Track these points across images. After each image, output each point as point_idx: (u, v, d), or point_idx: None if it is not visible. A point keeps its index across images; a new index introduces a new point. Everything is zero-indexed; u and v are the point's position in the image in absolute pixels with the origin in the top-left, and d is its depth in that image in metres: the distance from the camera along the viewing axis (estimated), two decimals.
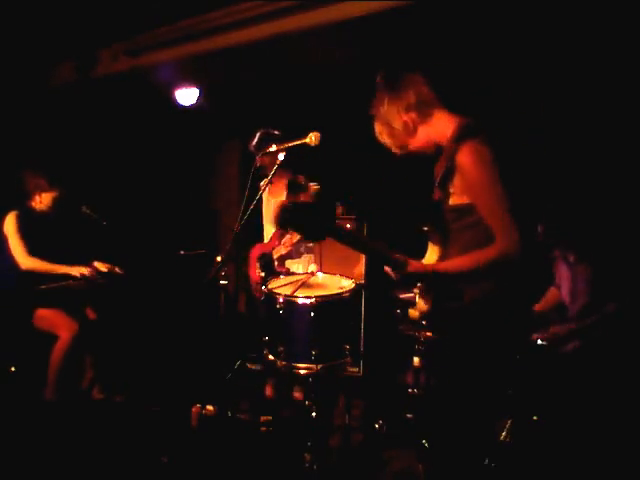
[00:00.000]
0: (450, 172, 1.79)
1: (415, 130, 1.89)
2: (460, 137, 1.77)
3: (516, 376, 2.77)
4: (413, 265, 1.77)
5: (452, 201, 1.81)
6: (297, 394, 3.38)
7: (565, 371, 2.89)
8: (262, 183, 3.57)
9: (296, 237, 3.44)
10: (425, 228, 1.90)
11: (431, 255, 1.94)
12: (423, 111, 1.86)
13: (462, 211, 1.78)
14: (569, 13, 2.98)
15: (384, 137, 1.93)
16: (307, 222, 1.76)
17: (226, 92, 4.77)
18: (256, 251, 3.64)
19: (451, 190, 1.80)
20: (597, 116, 3.31)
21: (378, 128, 1.94)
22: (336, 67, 3.95)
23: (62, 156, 4.32)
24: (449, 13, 3.15)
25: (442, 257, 1.89)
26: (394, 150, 1.95)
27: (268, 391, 3.47)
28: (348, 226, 3.20)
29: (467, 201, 1.76)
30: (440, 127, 1.88)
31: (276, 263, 3.51)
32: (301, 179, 3.45)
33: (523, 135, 3.14)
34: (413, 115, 1.86)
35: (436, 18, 3.23)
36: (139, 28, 4.22)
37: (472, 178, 1.72)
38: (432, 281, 1.82)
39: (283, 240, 3.55)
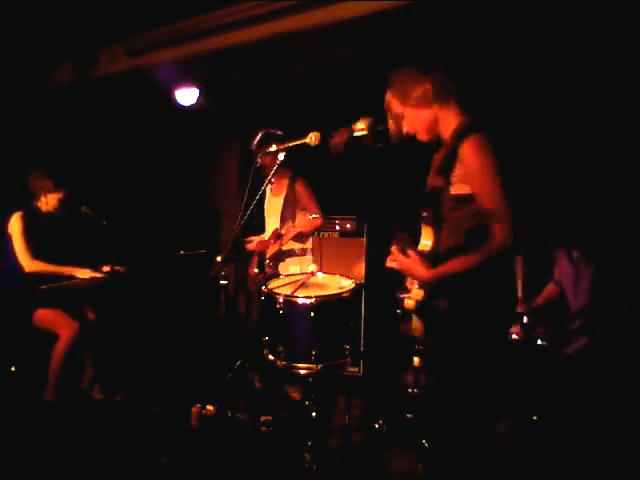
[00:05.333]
0: (451, 162, 1.85)
1: (430, 103, 1.95)
2: (465, 131, 1.84)
3: (516, 376, 2.78)
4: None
5: (453, 190, 1.86)
6: (295, 394, 3.39)
7: (565, 371, 2.89)
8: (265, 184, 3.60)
9: (291, 236, 3.44)
10: (424, 214, 1.92)
11: (425, 240, 1.96)
12: (443, 92, 1.93)
13: (462, 201, 1.84)
14: (569, 14, 2.98)
15: (395, 105, 2.01)
16: None
17: (226, 92, 4.77)
18: (259, 245, 3.65)
19: (453, 180, 1.86)
20: (603, 116, 3.31)
21: (389, 95, 2.03)
22: (336, 67, 3.95)
23: (63, 156, 4.32)
24: (450, 13, 3.15)
25: (439, 244, 1.93)
26: (401, 130, 2.02)
27: (257, 385, 3.49)
28: None
29: (468, 191, 1.82)
30: (447, 118, 1.95)
31: (267, 261, 3.52)
32: None
33: (528, 133, 3.15)
34: (436, 89, 1.93)
35: (437, 18, 3.23)
36: (139, 28, 4.22)
37: (473, 167, 1.79)
38: (438, 284, 1.84)
39: (280, 240, 3.55)
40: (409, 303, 1.88)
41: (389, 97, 2.03)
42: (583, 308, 3.02)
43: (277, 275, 3.29)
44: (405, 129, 2.02)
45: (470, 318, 1.87)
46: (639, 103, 3.14)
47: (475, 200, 1.80)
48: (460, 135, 1.84)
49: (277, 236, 3.57)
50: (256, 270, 3.44)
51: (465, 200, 1.83)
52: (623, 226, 3.10)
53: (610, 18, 2.93)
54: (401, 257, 1.88)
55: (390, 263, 1.94)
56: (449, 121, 1.94)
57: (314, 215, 3.36)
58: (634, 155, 3.23)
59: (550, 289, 3.26)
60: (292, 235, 3.44)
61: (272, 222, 3.67)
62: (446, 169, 1.86)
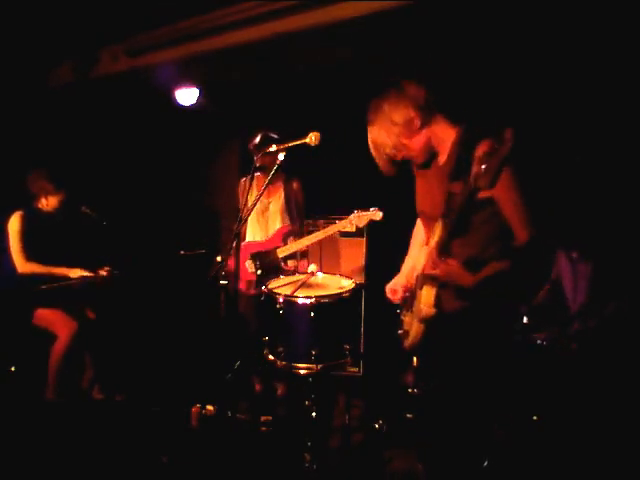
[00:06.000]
0: (466, 166, 1.82)
1: (419, 130, 1.92)
2: (475, 136, 1.83)
3: (516, 376, 2.78)
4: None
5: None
6: (280, 391, 3.38)
7: (565, 371, 2.89)
8: (243, 180, 3.56)
9: (310, 240, 3.44)
10: (445, 221, 1.90)
11: (431, 245, 1.94)
12: (427, 113, 1.91)
13: (485, 204, 1.83)
14: (570, 14, 2.99)
15: (382, 139, 1.96)
16: None
17: (226, 92, 4.77)
18: (245, 249, 3.60)
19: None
20: (600, 116, 3.31)
21: (374, 132, 1.98)
22: (336, 67, 3.95)
23: (62, 156, 4.32)
24: (450, 14, 3.15)
25: (457, 247, 1.89)
26: (390, 153, 1.98)
27: (257, 387, 3.49)
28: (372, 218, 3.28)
29: (489, 195, 1.81)
30: (440, 133, 1.95)
31: (282, 263, 3.50)
32: None
33: (528, 134, 3.15)
34: (419, 114, 1.90)
35: (437, 18, 3.23)
36: (139, 28, 4.22)
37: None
38: (474, 289, 1.83)
39: (289, 240, 3.54)
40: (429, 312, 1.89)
41: (374, 135, 1.98)
42: (582, 308, 3.03)
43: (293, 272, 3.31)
44: (400, 156, 1.99)
45: (479, 321, 1.87)
46: (637, 103, 3.14)
47: (495, 202, 1.81)
48: (471, 140, 1.83)
49: (285, 236, 3.56)
50: (259, 272, 3.42)
51: (485, 203, 1.82)
52: (622, 226, 3.10)
53: (608, 20, 2.93)
54: (442, 265, 1.83)
55: (430, 271, 1.87)
56: (444, 135, 1.94)
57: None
58: (633, 155, 3.23)
59: (547, 291, 3.27)
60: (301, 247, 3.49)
61: (272, 223, 3.64)
62: (463, 172, 1.83)
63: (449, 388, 1.95)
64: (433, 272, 1.83)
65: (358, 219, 3.31)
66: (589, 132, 3.31)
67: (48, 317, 3.45)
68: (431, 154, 1.99)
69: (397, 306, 2.24)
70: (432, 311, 1.88)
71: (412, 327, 2.01)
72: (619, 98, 3.23)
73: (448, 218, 1.82)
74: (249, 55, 4.05)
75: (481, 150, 1.77)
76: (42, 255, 3.48)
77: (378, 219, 3.29)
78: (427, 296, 1.90)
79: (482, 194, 1.80)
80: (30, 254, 3.46)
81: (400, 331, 2.17)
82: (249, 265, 3.46)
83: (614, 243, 3.06)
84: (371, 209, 3.27)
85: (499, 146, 1.57)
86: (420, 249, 2.18)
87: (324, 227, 4.05)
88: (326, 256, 4.09)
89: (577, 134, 3.37)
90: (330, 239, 4.09)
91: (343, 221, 3.35)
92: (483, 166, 1.59)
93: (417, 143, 1.95)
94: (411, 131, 1.92)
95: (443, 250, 1.80)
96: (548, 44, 3.17)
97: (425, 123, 1.92)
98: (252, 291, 3.44)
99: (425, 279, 1.92)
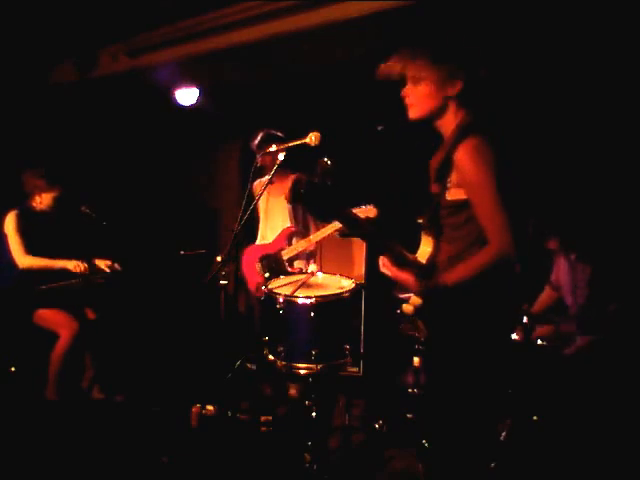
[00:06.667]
0: (447, 167, 1.79)
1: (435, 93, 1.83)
2: (461, 134, 1.77)
3: (516, 376, 2.78)
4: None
5: (449, 196, 1.80)
6: (293, 391, 3.39)
7: (565, 371, 2.90)
8: (256, 183, 3.57)
9: (312, 241, 3.44)
10: (420, 221, 1.90)
11: (425, 248, 1.94)
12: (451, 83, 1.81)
13: (459, 206, 1.78)
14: (569, 15, 2.99)
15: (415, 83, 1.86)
16: (318, 200, 1.79)
17: (226, 92, 4.77)
18: (255, 252, 3.62)
19: (448, 185, 1.80)
20: (598, 117, 3.31)
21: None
22: (336, 67, 3.95)
23: (62, 156, 4.33)
24: (450, 13, 3.15)
25: (437, 251, 1.90)
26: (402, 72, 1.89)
27: (267, 390, 3.48)
28: (366, 214, 3.11)
29: (464, 197, 1.75)
30: (449, 116, 1.85)
31: (287, 264, 3.50)
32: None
33: (524, 134, 3.15)
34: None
35: (437, 18, 3.23)
36: (139, 28, 4.22)
37: (469, 176, 1.72)
38: (436, 294, 1.80)
39: (294, 241, 3.54)
40: (408, 308, 1.86)
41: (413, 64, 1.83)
42: (581, 309, 3.03)
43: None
44: (404, 92, 1.88)
45: (473, 321, 1.86)
46: (634, 107, 3.14)
47: (471, 206, 1.74)
48: (456, 138, 1.77)
49: (289, 237, 3.56)
50: (267, 275, 3.42)
51: (461, 206, 1.77)
52: (619, 228, 3.11)
53: (609, 19, 2.93)
54: (394, 269, 1.82)
55: (383, 269, 1.86)
56: (451, 117, 1.84)
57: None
58: (631, 158, 3.23)
59: (547, 293, 3.27)
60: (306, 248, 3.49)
61: (277, 223, 3.65)
62: (442, 175, 1.81)
63: (448, 387, 1.95)
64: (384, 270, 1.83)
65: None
66: (588, 135, 3.32)
67: (49, 317, 3.44)
68: (425, 118, 1.87)
69: (397, 306, 2.24)
70: (410, 309, 1.84)
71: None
72: (619, 100, 3.23)
73: (424, 220, 1.82)
74: (249, 55, 4.05)
75: (461, 151, 1.73)
76: (39, 253, 3.48)
77: (373, 216, 3.24)
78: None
79: (455, 196, 1.77)
80: (29, 250, 3.47)
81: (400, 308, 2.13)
82: (259, 268, 3.48)
83: (612, 245, 3.07)
84: (365, 206, 3.21)
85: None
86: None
87: (324, 226, 4.05)
88: (326, 256, 4.09)
89: (577, 136, 3.38)
90: (330, 239, 4.08)
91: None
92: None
93: (424, 95, 1.84)
94: (441, 79, 1.80)
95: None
96: (549, 45, 3.18)
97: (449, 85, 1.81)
98: (261, 293, 3.45)
99: None
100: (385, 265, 1.89)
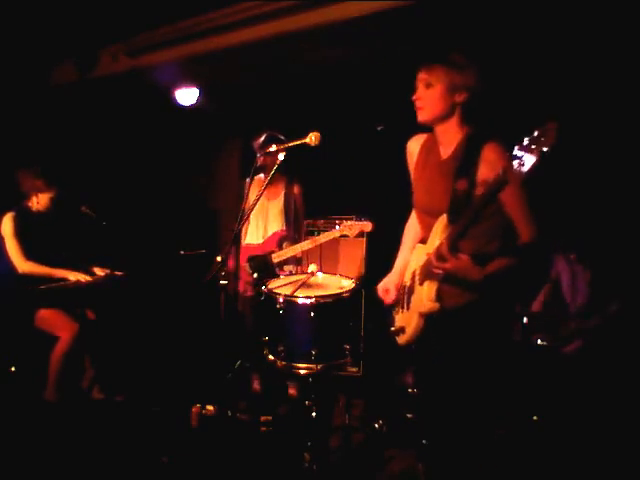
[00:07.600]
0: (472, 165, 1.86)
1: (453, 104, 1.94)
2: (483, 136, 1.87)
3: (516, 376, 2.78)
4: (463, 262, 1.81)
5: (479, 191, 1.83)
6: (292, 391, 3.39)
7: (565, 371, 2.90)
8: (248, 180, 3.57)
9: (307, 245, 3.44)
10: (449, 218, 1.90)
11: (433, 241, 1.93)
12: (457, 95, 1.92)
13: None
14: (570, 15, 2.99)
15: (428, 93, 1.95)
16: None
17: (226, 92, 4.77)
18: (244, 252, 3.57)
19: (478, 181, 1.85)
20: (598, 117, 3.31)
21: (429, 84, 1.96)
22: (336, 67, 3.95)
23: (62, 156, 4.32)
24: (451, 13, 3.15)
25: (464, 246, 1.87)
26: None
27: (255, 385, 3.49)
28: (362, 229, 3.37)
29: None
30: (450, 128, 1.96)
31: (276, 268, 3.50)
32: None
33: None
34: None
35: (437, 18, 3.23)
36: (139, 28, 4.22)
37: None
38: (481, 283, 1.83)
39: (284, 245, 3.54)
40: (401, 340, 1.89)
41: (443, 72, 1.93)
42: (581, 309, 3.03)
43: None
44: (416, 96, 1.97)
45: (482, 317, 1.88)
46: (636, 106, 3.14)
47: (498, 200, 1.81)
48: (480, 138, 1.86)
49: (280, 240, 3.55)
50: (255, 275, 3.43)
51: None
52: (619, 228, 3.11)
53: (610, 21, 2.93)
54: (453, 260, 1.80)
55: (440, 265, 1.83)
56: (452, 131, 1.95)
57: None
58: (631, 158, 3.23)
59: (547, 293, 3.27)
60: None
61: (268, 225, 3.63)
62: (468, 171, 1.86)
63: (449, 387, 1.95)
64: (444, 266, 1.80)
65: (348, 229, 3.37)
66: (588, 135, 3.32)
67: (49, 318, 3.44)
68: (433, 122, 1.98)
69: (394, 305, 2.24)
70: (435, 305, 1.89)
71: (410, 323, 2.00)
72: (619, 100, 3.23)
73: (460, 214, 1.80)
74: (249, 55, 4.05)
75: (489, 151, 1.82)
76: (37, 255, 3.47)
77: (368, 230, 3.37)
78: (429, 291, 1.90)
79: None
80: (28, 254, 3.46)
81: (393, 328, 2.17)
82: (248, 268, 3.47)
83: (612, 245, 3.07)
84: (361, 221, 3.35)
85: (540, 139, 1.55)
86: (414, 245, 2.17)
87: (324, 227, 4.05)
88: (326, 256, 4.09)
89: (577, 136, 3.37)
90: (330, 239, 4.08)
91: (333, 230, 3.41)
92: (520, 158, 1.57)
93: (435, 99, 1.93)
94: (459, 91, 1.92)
95: (453, 245, 1.80)
96: (550, 45, 3.18)
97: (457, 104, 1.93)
98: (249, 293, 3.46)
99: (427, 274, 1.92)
100: (442, 258, 1.83)
